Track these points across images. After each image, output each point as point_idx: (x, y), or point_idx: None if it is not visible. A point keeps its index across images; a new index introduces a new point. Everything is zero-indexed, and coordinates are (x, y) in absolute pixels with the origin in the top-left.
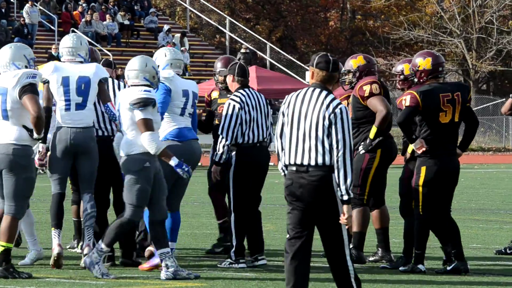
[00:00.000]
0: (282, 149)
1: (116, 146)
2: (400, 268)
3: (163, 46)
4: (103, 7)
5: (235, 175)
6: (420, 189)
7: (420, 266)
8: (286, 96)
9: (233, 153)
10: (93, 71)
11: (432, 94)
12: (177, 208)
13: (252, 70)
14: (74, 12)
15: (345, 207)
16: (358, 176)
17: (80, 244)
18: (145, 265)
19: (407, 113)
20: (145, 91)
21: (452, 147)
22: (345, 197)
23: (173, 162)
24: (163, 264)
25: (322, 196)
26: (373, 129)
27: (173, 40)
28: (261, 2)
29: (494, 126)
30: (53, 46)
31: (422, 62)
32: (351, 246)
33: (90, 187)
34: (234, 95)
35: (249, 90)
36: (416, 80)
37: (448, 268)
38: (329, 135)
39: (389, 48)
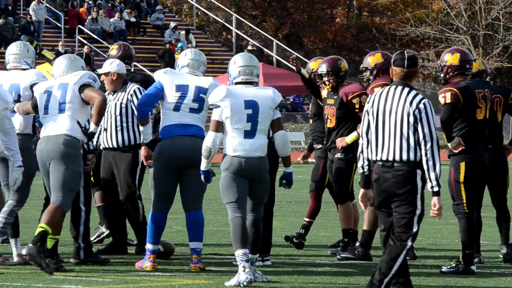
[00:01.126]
0: (367, 146)
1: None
2: (444, 269)
3: (170, 43)
4: (109, 4)
5: None
6: (462, 186)
7: (472, 267)
8: (370, 95)
9: None
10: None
11: (470, 90)
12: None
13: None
14: (81, 9)
15: (435, 198)
16: None
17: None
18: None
19: (450, 109)
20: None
21: (484, 144)
22: (435, 189)
23: (289, 169)
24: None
25: (405, 189)
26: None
27: (179, 37)
28: None
29: None
30: (60, 43)
31: (451, 57)
32: (357, 244)
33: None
34: None
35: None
36: (442, 75)
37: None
38: (415, 131)
39: (395, 45)
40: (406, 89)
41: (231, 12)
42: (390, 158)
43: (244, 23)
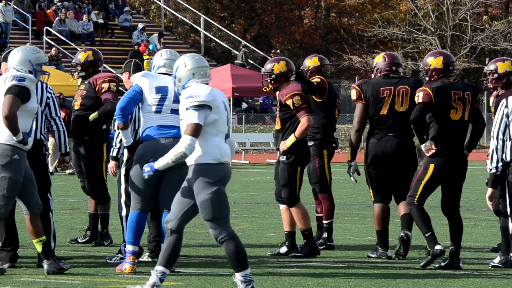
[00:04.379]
0: (502, 148)
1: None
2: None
3: (138, 44)
4: (77, 5)
5: (127, 170)
6: (423, 183)
7: (437, 246)
8: (504, 100)
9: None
10: None
11: (444, 91)
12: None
13: (227, 68)
14: (48, 11)
15: None
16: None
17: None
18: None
19: (420, 109)
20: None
21: (461, 145)
22: None
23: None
24: None
25: None
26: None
27: (149, 39)
28: (236, 0)
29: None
30: (27, 45)
31: (434, 61)
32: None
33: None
34: None
35: None
36: (427, 78)
37: (442, 264)
38: None
39: (363, 46)
40: None
41: (199, 14)
42: None
43: (212, 25)
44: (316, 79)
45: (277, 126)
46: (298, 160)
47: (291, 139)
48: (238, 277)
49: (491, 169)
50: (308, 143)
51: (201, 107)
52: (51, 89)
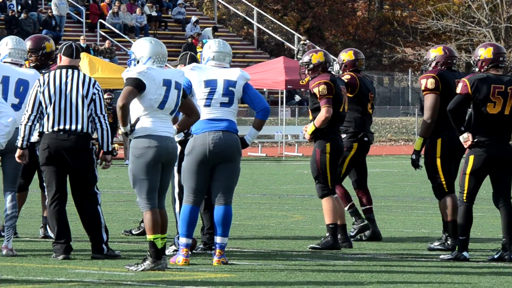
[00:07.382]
0: None
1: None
2: (442, 257)
3: (192, 37)
4: None
5: (179, 163)
6: (467, 177)
7: (464, 253)
8: None
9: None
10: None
11: (483, 83)
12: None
13: (280, 60)
14: (102, 4)
15: None
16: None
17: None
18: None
19: (457, 100)
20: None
21: (503, 137)
22: None
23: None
24: None
25: None
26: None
27: (202, 32)
28: None
29: None
30: (81, 38)
31: (484, 51)
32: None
33: (13, 186)
34: None
35: None
36: (477, 69)
37: (495, 256)
38: None
39: (417, 38)
40: None
41: (252, 6)
42: None
43: (266, 17)
44: (346, 76)
45: (310, 116)
46: (335, 152)
47: (311, 127)
48: None
49: None
50: (342, 136)
51: None
52: (98, 86)
